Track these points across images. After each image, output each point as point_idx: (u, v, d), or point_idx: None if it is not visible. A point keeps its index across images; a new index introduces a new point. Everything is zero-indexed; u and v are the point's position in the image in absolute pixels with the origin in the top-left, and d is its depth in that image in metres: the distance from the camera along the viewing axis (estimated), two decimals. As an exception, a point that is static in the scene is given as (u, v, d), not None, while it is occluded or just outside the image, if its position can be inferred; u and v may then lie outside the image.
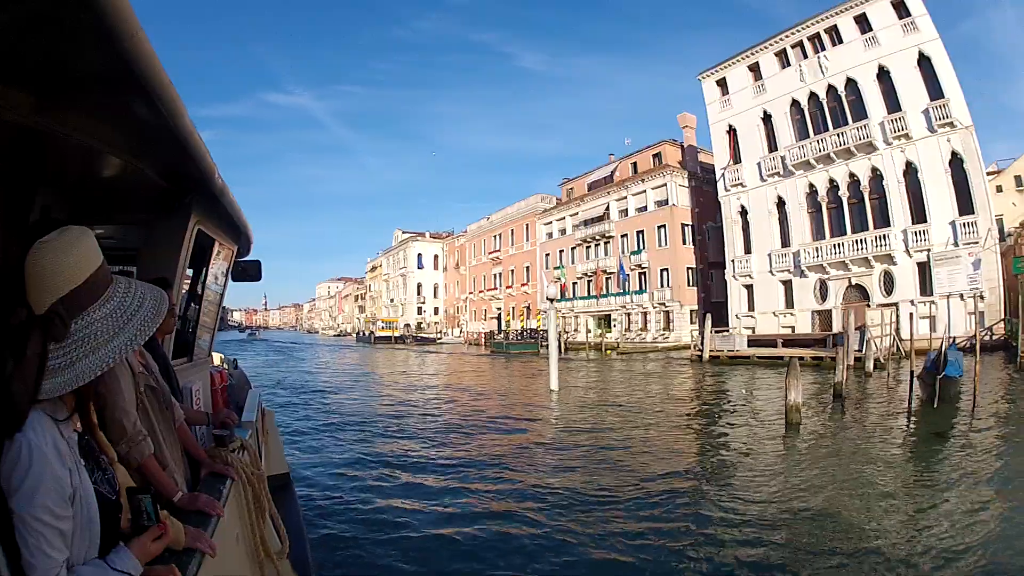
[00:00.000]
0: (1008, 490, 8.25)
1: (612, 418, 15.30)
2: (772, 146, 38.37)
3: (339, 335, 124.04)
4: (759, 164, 38.89)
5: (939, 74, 31.31)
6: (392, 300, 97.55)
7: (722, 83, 41.90)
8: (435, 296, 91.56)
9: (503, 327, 62.27)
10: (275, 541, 2.95)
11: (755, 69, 39.67)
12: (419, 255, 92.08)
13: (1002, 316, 28.19)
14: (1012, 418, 13.41)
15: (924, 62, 31.83)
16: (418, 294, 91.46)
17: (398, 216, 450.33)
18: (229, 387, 5.82)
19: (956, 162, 30.73)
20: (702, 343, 32.56)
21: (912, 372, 14.51)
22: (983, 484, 8.65)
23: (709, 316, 33.73)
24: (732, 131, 41.11)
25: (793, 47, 37.26)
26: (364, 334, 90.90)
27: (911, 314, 26.59)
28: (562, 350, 37.35)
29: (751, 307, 39.26)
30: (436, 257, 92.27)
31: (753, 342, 32.17)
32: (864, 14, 33.73)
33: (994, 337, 27.42)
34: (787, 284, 37.28)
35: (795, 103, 37.03)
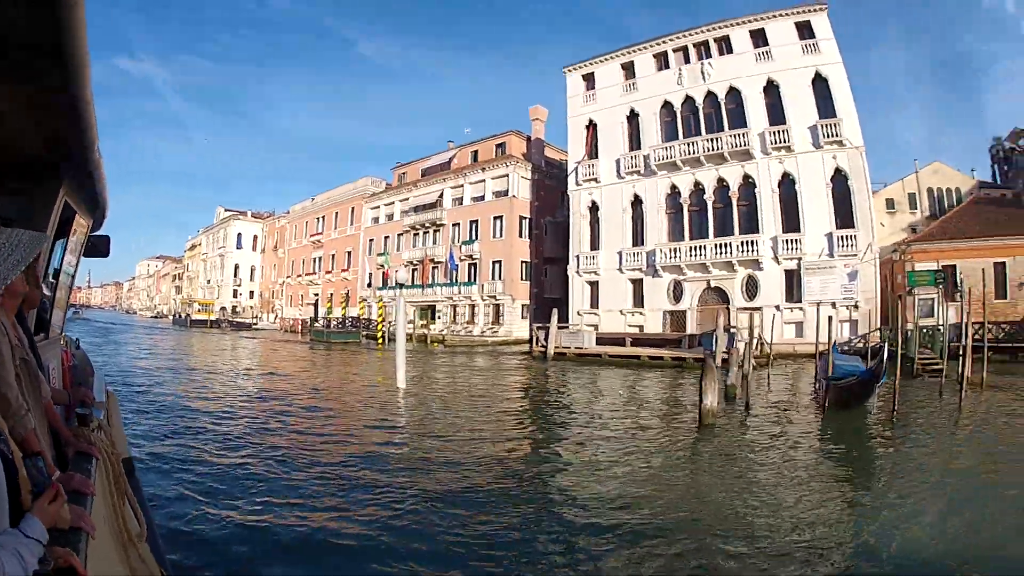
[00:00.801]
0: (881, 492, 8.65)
1: (487, 424, 13.70)
2: (635, 145, 37.30)
3: (156, 316, 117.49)
4: (618, 161, 37.61)
5: (834, 95, 32.15)
6: (209, 281, 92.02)
7: (589, 78, 40.26)
8: (251, 279, 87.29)
9: (323, 314, 57.84)
10: (134, 524, 2.73)
11: (629, 68, 38.55)
12: (239, 235, 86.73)
13: (877, 326, 28.72)
14: (913, 423, 13.71)
15: (819, 82, 32.67)
16: (235, 276, 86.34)
17: (223, 196, 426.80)
18: (73, 368, 5.23)
19: (840, 178, 31.44)
20: (546, 339, 31.03)
21: (817, 376, 16.92)
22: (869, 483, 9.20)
23: (556, 312, 32.21)
24: (592, 126, 39.47)
25: (676, 51, 36.87)
26: (180, 316, 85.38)
27: (773, 317, 29.39)
28: (384, 340, 38.97)
29: (595, 304, 37.76)
30: (255, 238, 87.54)
31: (602, 340, 31.24)
32: (763, 29, 34.29)
33: (868, 344, 27.22)
34: (637, 283, 36.23)
35: (667, 105, 36.34)
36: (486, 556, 5.92)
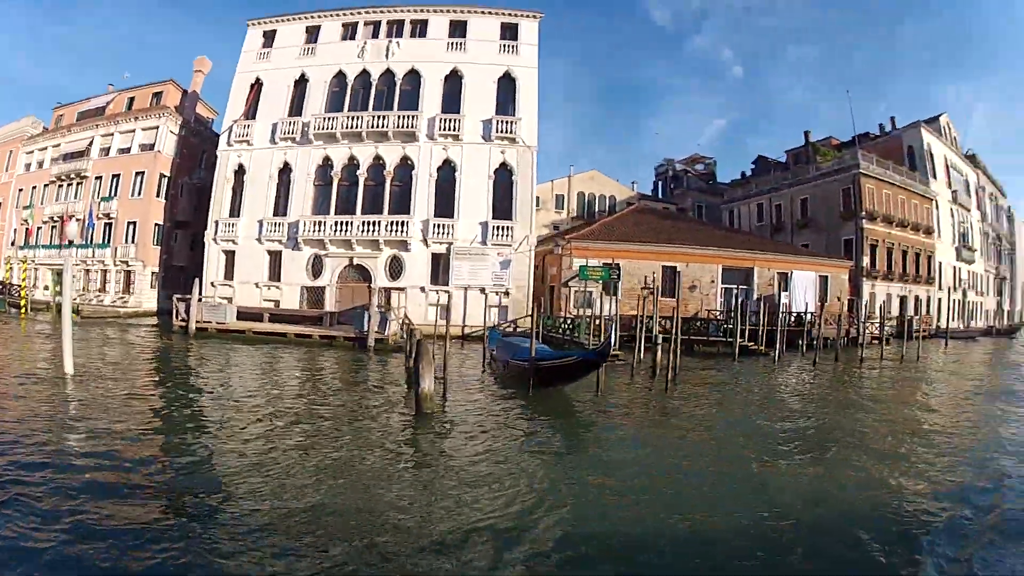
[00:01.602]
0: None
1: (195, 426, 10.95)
2: (296, 111, 35.04)
3: None
4: (275, 125, 34.74)
5: (520, 95, 33.40)
6: None
7: (271, 35, 37.06)
8: None
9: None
10: None
11: (313, 32, 36.42)
12: None
13: (527, 312, 29.45)
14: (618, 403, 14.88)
15: (507, 81, 33.69)
16: None
17: None
18: None
19: (504, 172, 32.57)
20: (187, 313, 28.03)
21: (495, 357, 18.73)
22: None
23: (197, 282, 29.46)
24: (258, 85, 36.10)
25: (368, 24, 35.93)
26: None
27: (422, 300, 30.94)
28: (27, 310, 34.66)
29: (229, 275, 34.57)
30: None
31: (242, 315, 29.00)
32: (465, 22, 34.90)
33: (518, 329, 29.62)
34: (276, 255, 33.82)
35: (340, 75, 34.97)
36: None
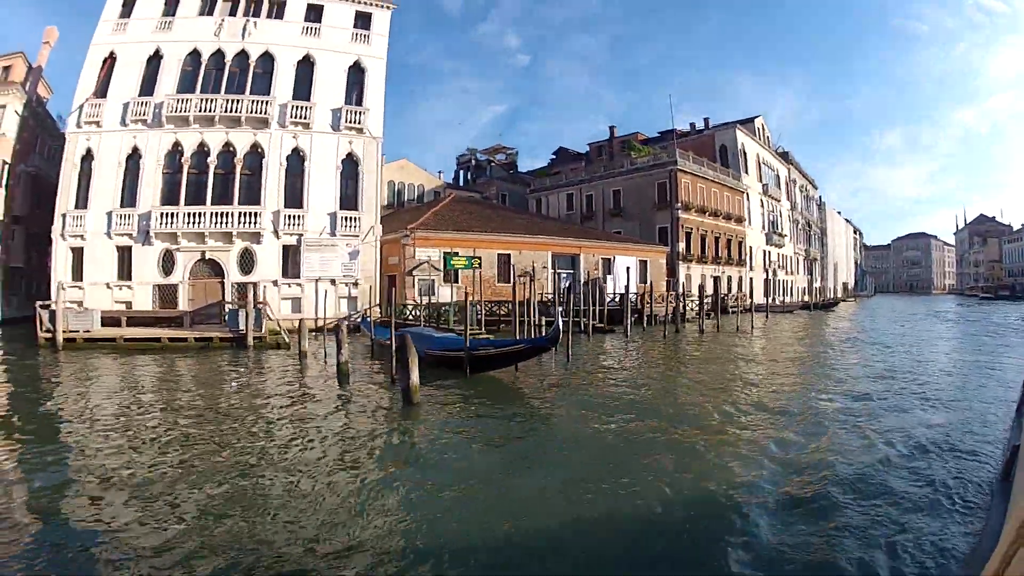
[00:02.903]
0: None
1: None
2: (148, 90, 32.61)
3: None
4: (127, 105, 32.18)
5: (368, 86, 34.41)
6: None
7: (130, 3, 34.22)
8: None
9: None
10: None
11: (172, 3, 34.15)
12: None
13: (376, 302, 30.69)
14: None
15: (357, 70, 34.47)
16: None
17: None
18: None
19: (351, 163, 33.44)
20: (52, 323, 24.62)
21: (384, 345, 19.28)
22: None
23: (61, 287, 26.88)
24: (111, 59, 32.98)
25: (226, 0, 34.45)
26: None
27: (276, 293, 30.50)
28: None
29: (78, 275, 31.28)
30: None
31: (106, 321, 26.36)
32: (322, 7, 34.71)
33: (369, 319, 28.95)
34: (126, 251, 31.34)
35: (195, 53, 33.13)
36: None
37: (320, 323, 27.43)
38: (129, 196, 31.70)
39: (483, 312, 27.97)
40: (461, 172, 77.08)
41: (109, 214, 31.40)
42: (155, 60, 33.01)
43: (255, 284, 30.01)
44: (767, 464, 9.13)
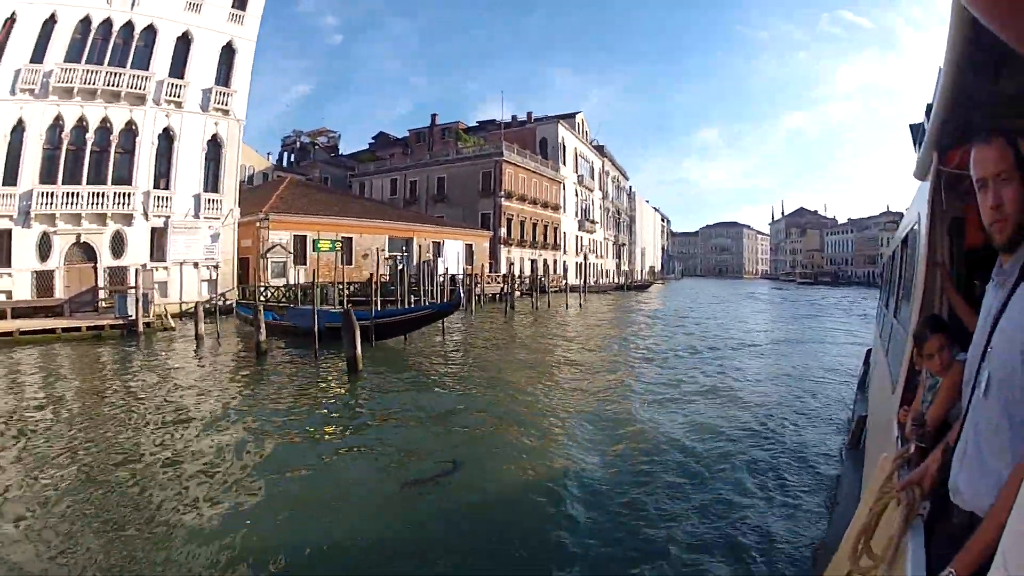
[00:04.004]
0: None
1: None
2: (38, 57, 30.59)
3: None
4: (18, 72, 30.11)
5: (236, 67, 35.38)
6: None
7: None
8: None
9: None
10: None
11: None
12: None
13: (233, 285, 33.55)
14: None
15: (229, 51, 35.24)
16: None
17: None
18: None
19: (216, 145, 34.53)
20: None
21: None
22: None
23: None
24: (12, 21, 30.33)
25: None
26: None
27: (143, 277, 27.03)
28: None
29: None
30: None
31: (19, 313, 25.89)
32: None
33: (227, 302, 31.17)
34: (5, 235, 29.33)
35: (87, 20, 31.62)
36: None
37: (184, 307, 28.96)
38: (11, 173, 29.71)
39: (346, 291, 29.77)
40: (285, 154, 79.28)
41: (-8, 193, 29.53)
42: (50, 24, 31.08)
43: (126, 268, 30.78)
44: (598, 442, 10.16)
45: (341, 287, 29.11)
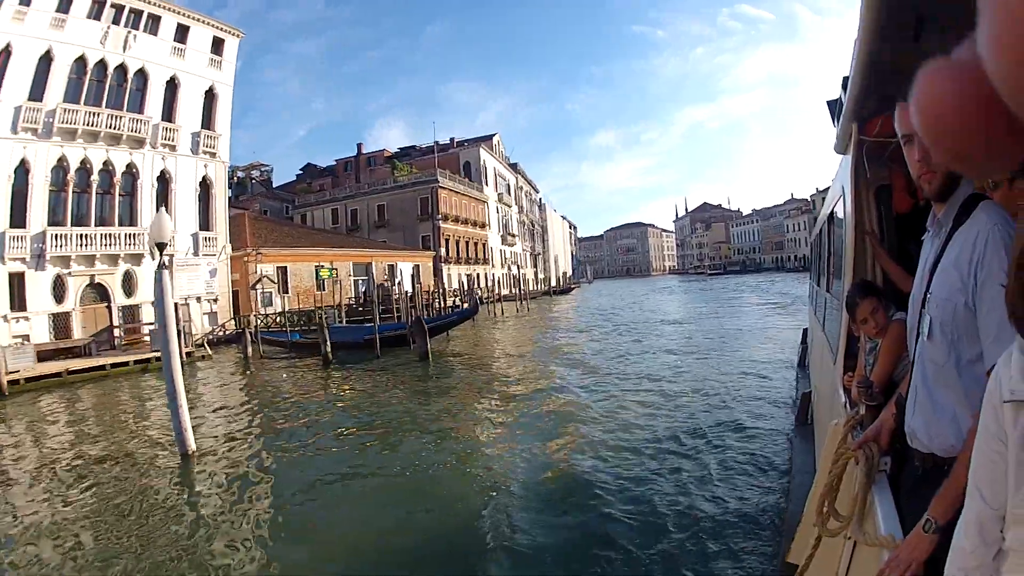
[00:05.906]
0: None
1: None
2: (37, 95, 30.39)
3: None
4: (18, 109, 29.60)
5: (218, 112, 38.17)
6: None
7: None
8: None
9: None
10: None
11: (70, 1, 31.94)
12: None
13: (231, 316, 36.46)
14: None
15: (211, 95, 37.95)
16: None
17: None
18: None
19: (205, 186, 37.04)
20: None
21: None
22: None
23: (7, 323, 27.33)
24: (7, 53, 29.66)
25: (112, 5, 33.31)
26: None
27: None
28: None
29: None
30: None
31: (42, 356, 25.59)
32: (189, 27, 36.78)
33: (227, 332, 35.25)
34: (19, 278, 28.89)
35: (82, 60, 32.03)
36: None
37: (192, 339, 30.75)
38: (18, 214, 29.33)
39: (343, 315, 35.55)
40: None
41: (2, 235, 28.73)
42: (46, 60, 30.87)
43: (138, 306, 32.15)
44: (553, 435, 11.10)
45: (334, 309, 34.80)
